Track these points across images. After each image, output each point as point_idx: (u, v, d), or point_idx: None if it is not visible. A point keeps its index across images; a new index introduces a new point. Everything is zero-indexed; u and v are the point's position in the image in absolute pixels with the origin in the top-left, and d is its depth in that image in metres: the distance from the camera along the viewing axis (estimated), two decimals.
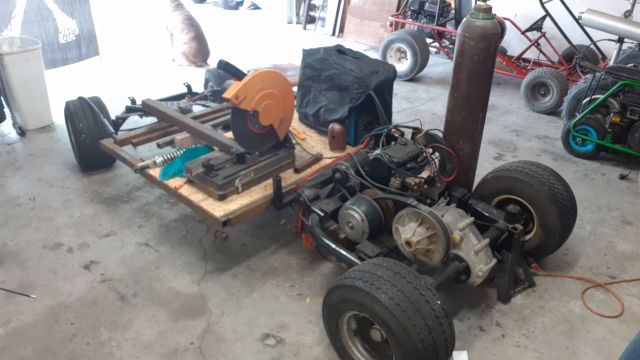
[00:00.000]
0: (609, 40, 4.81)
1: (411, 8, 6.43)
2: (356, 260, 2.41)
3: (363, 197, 2.66)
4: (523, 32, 5.62)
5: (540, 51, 5.74)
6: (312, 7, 8.73)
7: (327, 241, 2.57)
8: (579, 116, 4.21)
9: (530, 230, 2.82)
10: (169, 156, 3.14)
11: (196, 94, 4.31)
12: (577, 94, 4.43)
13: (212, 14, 9.65)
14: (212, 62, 6.47)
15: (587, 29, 5.04)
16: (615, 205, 3.64)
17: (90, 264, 2.95)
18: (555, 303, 2.70)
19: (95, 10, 6.19)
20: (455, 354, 2.32)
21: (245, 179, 2.86)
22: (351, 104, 3.22)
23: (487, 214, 2.73)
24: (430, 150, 2.93)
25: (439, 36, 6.35)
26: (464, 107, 2.74)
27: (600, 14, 4.61)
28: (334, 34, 8.34)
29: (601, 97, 4.08)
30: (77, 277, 2.84)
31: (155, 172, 3.05)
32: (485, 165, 3.98)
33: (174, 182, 2.95)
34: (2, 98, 4.55)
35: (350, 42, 7.78)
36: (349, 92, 3.24)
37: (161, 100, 3.96)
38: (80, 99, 3.79)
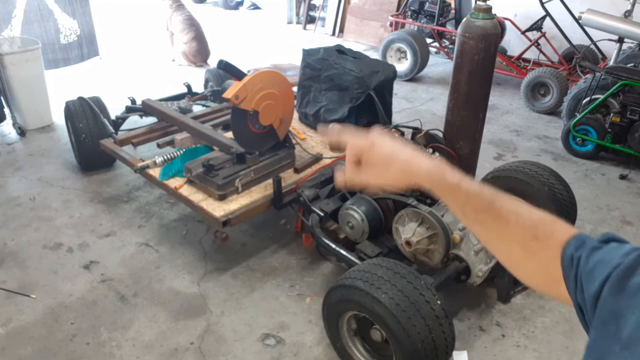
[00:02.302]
0: (609, 40, 4.81)
1: (411, 8, 6.43)
2: (356, 260, 2.41)
3: (363, 197, 2.66)
4: (523, 32, 5.62)
5: (540, 51, 5.74)
6: (312, 7, 8.72)
7: (327, 241, 2.57)
8: (579, 116, 4.21)
9: None
10: (169, 156, 3.14)
11: (196, 94, 4.31)
12: (577, 94, 4.43)
13: (212, 14, 9.65)
14: (212, 62, 6.46)
15: (587, 29, 5.04)
16: (615, 205, 3.64)
17: (90, 264, 2.95)
18: (555, 303, 2.70)
19: (95, 11, 6.19)
20: (455, 354, 2.32)
21: (245, 179, 2.86)
22: (351, 104, 3.22)
23: None
24: (430, 150, 2.93)
25: (439, 36, 6.35)
26: (464, 107, 2.74)
27: (600, 14, 4.61)
28: (334, 34, 8.34)
29: (601, 97, 4.08)
30: (77, 277, 2.84)
31: (155, 172, 3.05)
32: (485, 165, 3.98)
33: (174, 182, 2.95)
34: (2, 98, 4.55)
35: (350, 42, 7.78)
36: (349, 92, 3.24)
37: (161, 100, 3.96)
38: (80, 99, 3.79)
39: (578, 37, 5.43)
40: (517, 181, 2.76)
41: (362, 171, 0.89)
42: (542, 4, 5.31)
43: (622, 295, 0.60)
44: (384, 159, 0.86)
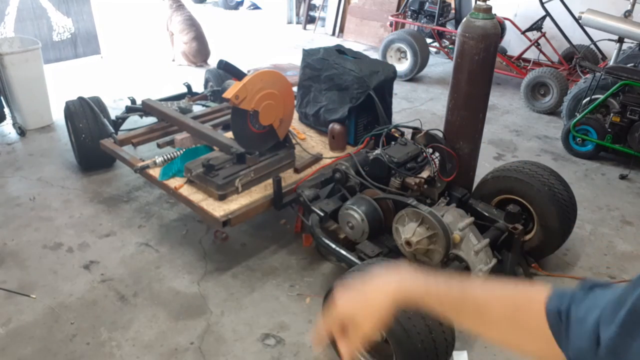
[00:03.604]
0: (609, 40, 4.81)
1: (411, 8, 6.43)
2: (356, 260, 2.41)
3: (363, 197, 2.66)
4: (523, 32, 5.61)
5: (540, 51, 5.74)
6: (312, 7, 8.72)
7: (327, 241, 2.57)
8: (579, 116, 4.21)
9: (530, 230, 2.82)
10: (169, 156, 3.14)
11: (196, 94, 4.31)
12: (577, 94, 4.43)
13: (212, 14, 9.64)
14: (212, 62, 6.46)
15: (587, 29, 5.04)
16: (615, 205, 3.64)
17: (90, 264, 2.95)
18: None
19: (97, 10, 6.19)
20: (455, 354, 2.32)
21: (245, 179, 2.86)
22: (351, 104, 3.22)
23: (487, 214, 2.73)
24: (430, 150, 2.93)
25: (439, 36, 6.35)
26: (464, 107, 2.74)
27: (600, 14, 4.61)
28: (334, 34, 8.34)
29: (601, 97, 4.07)
30: (77, 277, 2.84)
31: (155, 172, 3.05)
32: (485, 165, 3.98)
33: (174, 182, 2.95)
34: (2, 98, 4.54)
35: (350, 42, 7.77)
36: (349, 92, 3.24)
37: (161, 100, 3.96)
38: (80, 99, 3.79)
39: (578, 37, 5.43)
40: (517, 181, 2.76)
41: (349, 338, 0.89)
42: (542, 4, 5.31)
43: (613, 324, 0.60)
44: (353, 321, 0.87)
